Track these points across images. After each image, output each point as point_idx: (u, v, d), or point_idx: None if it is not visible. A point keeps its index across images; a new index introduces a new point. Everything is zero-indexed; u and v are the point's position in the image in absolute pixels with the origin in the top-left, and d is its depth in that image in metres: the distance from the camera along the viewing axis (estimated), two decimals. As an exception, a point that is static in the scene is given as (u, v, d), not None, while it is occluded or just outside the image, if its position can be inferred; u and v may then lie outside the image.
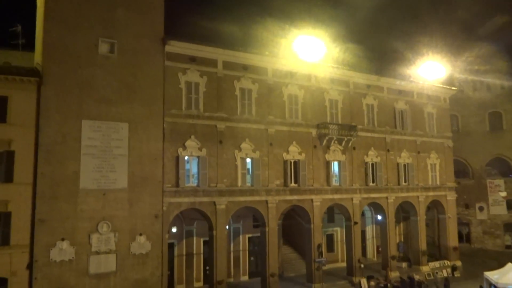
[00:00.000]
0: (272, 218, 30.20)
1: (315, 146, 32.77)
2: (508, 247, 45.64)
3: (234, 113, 29.53)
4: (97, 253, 23.84)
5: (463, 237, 45.81)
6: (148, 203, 25.65)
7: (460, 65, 43.88)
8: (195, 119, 27.94)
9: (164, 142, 26.66)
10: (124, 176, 25.08)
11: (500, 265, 29.96)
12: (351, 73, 35.10)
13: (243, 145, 29.54)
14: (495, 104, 48.02)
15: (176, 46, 27.61)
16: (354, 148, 34.59)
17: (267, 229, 29.99)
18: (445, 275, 36.83)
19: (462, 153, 46.74)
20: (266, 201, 30.05)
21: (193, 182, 27.98)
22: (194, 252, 31.34)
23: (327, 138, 32.82)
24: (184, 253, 30.98)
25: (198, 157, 27.97)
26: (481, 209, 46.70)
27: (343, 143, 33.74)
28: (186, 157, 27.72)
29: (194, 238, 31.51)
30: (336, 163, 33.96)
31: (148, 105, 26.28)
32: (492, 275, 28.02)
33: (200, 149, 27.91)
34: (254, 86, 30.50)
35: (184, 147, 27.43)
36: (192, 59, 28.31)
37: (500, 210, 45.96)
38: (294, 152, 31.71)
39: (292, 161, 31.62)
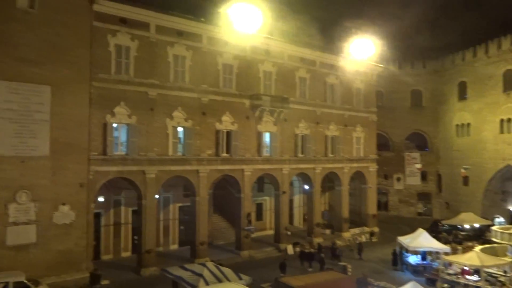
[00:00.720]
0: (203, 187, 30.39)
1: (247, 117, 33.10)
2: (420, 214, 50.32)
3: (167, 80, 28.79)
4: (15, 223, 22.55)
5: (382, 206, 49.56)
6: (72, 171, 24.54)
7: (387, 44, 46.00)
8: (125, 85, 26.85)
9: (90, 108, 25.39)
10: (45, 142, 23.65)
11: (412, 230, 32.95)
12: (286, 46, 35.48)
13: (175, 114, 29.05)
14: (417, 82, 51.45)
15: (105, 6, 25.96)
16: (285, 120, 35.44)
17: (197, 199, 30.19)
18: (364, 240, 39.77)
19: (384, 127, 49.90)
20: (198, 171, 30.09)
21: (121, 150, 27.16)
22: (122, 221, 30.82)
23: (260, 109, 33.26)
24: (112, 223, 30.35)
25: (127, 124, 27.08)
26: (398, 179, 50.67)
27: (275, 114, 34.41)
28: (115, 124, 26.72)
29: (122, 208, 30.91)
30: (267, 134, 34.67)
31: (74, 68, 24.70)
32: (404, 240, 30.85)
33: (130, 116, 27.00)
34: (188, 53, 29.81)
35: (113, 114, 26.37)
36: (123, 21, 26.89)
37: (415, 180, 50.21)
38: (227, 122, 31.81)
39: (225, 131, 31.76)
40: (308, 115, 37.37)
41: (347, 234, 39.58)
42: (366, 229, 41.49)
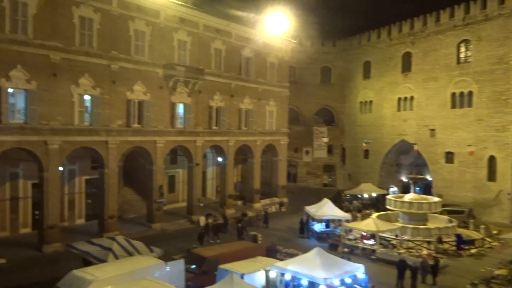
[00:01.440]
0: (112, 159, 29.07)
1: (161, 87, 32.05)
2: (325, 185, 53.56)
3: (72, 44, 26.56)
4: None
5: (291, 177, 51.78)
6: (-41, 141, 21.89)
7: (300, 20, 47.09)
8: (23, 46, 24.24)
9: (-20, 70, 22.62)
10: None
11: (318, 200, 34.99)
12: (201, 15, 34.61)
13: (82, 81, 27.06)
14: (327, 60, 53.71)
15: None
16: (200, 92, 34.98)
17: (106, 171, 28.85)
18: (274, 210, 41.44)
19: (296, 102, 51.65)
20: (106, 142, 28.63)
21: (19, 119, 24.75)
22: (21, 196, 28.41)
23: (173, 79, 32.36)
24: (8, 197, 27.83)
25: (26, 90, 24.64)
26: (307, 152, 53.17)
27: (190, 85, 33.77)
28: (11, 90, 24.17)
29: (21, 181, 28.44)
30: (181, 105, 33.99)
31: (-43, 23, 21.67)
32: (311, 209, 32.70)
33: (28, 81, 24.56)
34: (96, 15, 27.68)
35: (8, 78, 23.78)
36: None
37: (322, 153, 53.10)
38: (139, 92, 30.51)
39: (137, 101, 30.46)
40: (223, 88, 37.25)
41: (258, 205, 40.88)
42: (276, 199, 43.23)
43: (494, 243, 28.71)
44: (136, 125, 30.47)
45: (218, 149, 38.75)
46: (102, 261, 18.58)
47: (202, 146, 35.82)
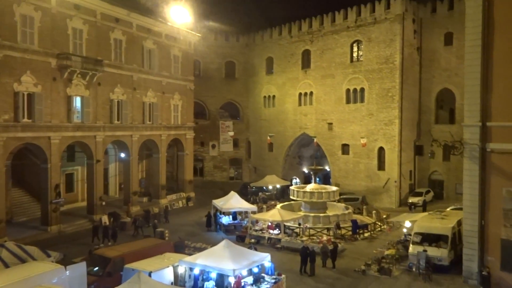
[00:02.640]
0: (-2, 157, 26.19)
1: (54, 78, 29.60)
2: (231, 178, 54.21)
3: None
4: None
5: (198, 171, 51.53)
6: None
7: (204, 13, 46.91)
8: None
9: None
10: None
11: (225, 193, 35.36)
12: (98, 2, 32.54)
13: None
14: (231, 54, 54.20)
15: None
16: (99, 84, 33.04)
17: (-9, 171, 25.91)
18: (181, 205, 40.94)
19: (201, 96, 51.38)
20: (-9, 138, 25.69)
21: None
22: None
23: (69, 70, 30.07)
24: None
25: None
26: (213, 146, 53.29)
27: (88, 77, 31.70)
28: None
29: None
30: (78, 99, 31.76)
31: None
32: (219, 202, 32.93)
33: None
34: (-27, -4, 24.56)
35: None
36: None
37: (228, 147, 53.64)
38: (28, 83, 27.81)
39: (26, 93, 27.75)
40: (125, 80, 35.62)
41: (164, 201, 39.99)
42: (183, 194, 42.71)
43: (384, 227, 31.66)
44: (26, 120, 27.76)
45: (121, 145, 37.03)
46: (-12, 271, 16.68)
47: (103, 141, 33.92)
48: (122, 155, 37.82)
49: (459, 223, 23.32)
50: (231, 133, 50.30)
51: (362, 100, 42.97)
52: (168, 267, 18.25)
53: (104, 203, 34.03)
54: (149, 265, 17.79)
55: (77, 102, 31.70)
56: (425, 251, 22.06)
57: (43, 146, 29.08)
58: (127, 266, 17.94)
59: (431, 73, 42.26)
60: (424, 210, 34.03)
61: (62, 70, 29.88)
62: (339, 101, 44.65)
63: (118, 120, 35.06)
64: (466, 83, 20.85)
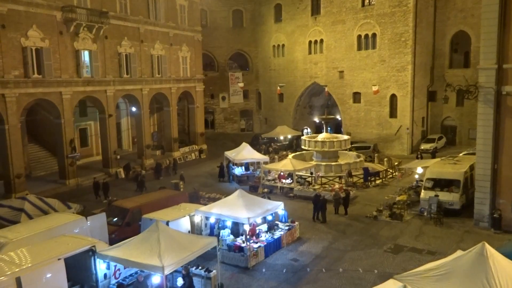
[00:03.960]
0: (12, 114, 26.47)
1: (61, 32, 29.19)
2: (242, 130, 54.34)
3: None
4: None
5: (209, 124, 51.70)
6: None
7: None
8: None
9: None
10: None
11: (237, 145, 35.60)
12: (101, -49, 31.43)
13: (-36, 26, 23.62)
14: (238, 2, 52.51)
15: None
16: (106, 37, 32.56)
17: (7, 127, 26.29)
18: (194, 157, 41.49)
19: (209, 47, 50.46)
20: (3, 95, 25.85)
21: None
22: None
23: (75, 23, 29.57)
24: None
25: None
26: (223, 98, 53.04)
27: (94, 30, 31.20)
28: None
29: None
30: (86, 53, 31.45)
31: None
32: (231, 154, 33.24)
33: None
34: None
35: None
36: None
37: (238, 99, 53.37)
38: (35, 38, 27.50)
39: (34, 48, 27.51)
40: (132, 33, 35.01)
41: (177, 154, 40.50)
42: (195, 147, 43.14)
43: (395, 174, 31.83)
44: (36, 76, 27.72)
45: (131, 99, 37.06)
46: (14, 222, 17.39)
47: (114, 96, 33.94)
48: (134, 109, 37.94)
49: (471, 167, 23.32)
50: (241, 84, 49.77)
51: (373, 47, 41.79)
52: (184, 216, 18.76)
53: (118, 156, 34.62)
54: (166, 215, 18.31)
55: (86, 56, 31.43)
56: (436, 196, 22.27)
57: (55, 101, 29.23)
58: (145, 216, 18.48)
59: (446, 15, 40.64)
60: (434, 157, 33.92)
61: (68, 24, 29.40)
62: (350, 48, 43.52)
63: (127, 74, 34.84)
64: (483, 24, 20.06)
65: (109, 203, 22.73)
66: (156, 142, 41.93)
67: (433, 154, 36.15)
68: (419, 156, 35.23)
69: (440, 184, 23.28)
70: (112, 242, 16.52)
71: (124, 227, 19.15)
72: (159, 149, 40.58)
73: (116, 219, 19.78)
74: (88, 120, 37.03)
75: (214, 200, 23.50)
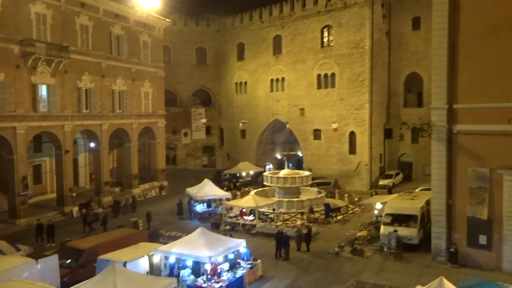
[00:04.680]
0: (-40, 150, 25.10)
1: (18, 66, 28.46)
2: (205, 166, 54.00)
3: None
4: None
5: (170, 160, 51.03)
6: None
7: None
8: None
9: None
10: None
11: (199, 181, 35.19)
12: (63, -14, 31.40)
13: None
14: (202, 40, 53.43)
15: None
16: (66, 71, 32.00)
17: (-47, 164, 24.84)
18: (154, 194, 40.54)
19: (172, 83, 50.62)
20: (-49, 130, 24.57)
21: None
22: None
23: (33, 57, 28.95)
24: None
25: None
26: (185, 134, 52.80)
27: (53, 64, 30.63)
28: None
29: None
30: (44, 87, 30.68)
31: None
32: (192, 190, 32.77)
33: None
34: None
35: None
36: None
37: (200, 135, 53.31)
38: (-11, 72, 26.63)
39: (-13, 82, 26.57)
40: (93, 67, 34.63)
41: (137, 190, 39.45)
42: (156, 183, 42.23)
43: (356, 209, 32.33)
44: (-12, 110, 26.65)
45: (90, 134, 36.15)
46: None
47: (72, 131, 33.01)
48: (92, 144, 36.97)
49: (428, 203, 24.06)
50: (203, 120, 49.78)
51: (333, 85, 43.33)
52: (143, 256, 18.12)
53: (74, 194, 33.30)
54: (123, 255, 17.61)
55: (43, 90, 30.63)
56: (395, 231, 22.71)
57: (8, 136, 28.05)
58: (100, 257, 17.67)
59: (400, 57, 42.96)
60: (390, 193, 34.76)
61: (26, 57, 28.75)
62: (311, 87, 44.89)
63: (86, 108, 34.14)
64: (433, 66, 21.30)
65: (62, 243, 21.59)
66: (115, 179, 40.77)
67: (389, 190, 36.97)
68: (373, 193, 35.89)
69: (399, 219, 23.81)
70: (64, 286, 15.58)
71: (78, 269, 18.18)
72: (118, 186, 39.39)
73: (69, 260, 18.76)
74: (43, 156, 35.65)
75: (175, 238, 22.86)
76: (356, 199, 34.28)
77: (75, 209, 31.99)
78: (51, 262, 16.88)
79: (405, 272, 20.14)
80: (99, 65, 35.29)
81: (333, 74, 43.19)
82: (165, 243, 20.77)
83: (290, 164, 36.63)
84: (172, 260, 18.37)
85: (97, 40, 35.03)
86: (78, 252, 18.99)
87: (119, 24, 37.21)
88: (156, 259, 18.39)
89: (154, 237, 23.86)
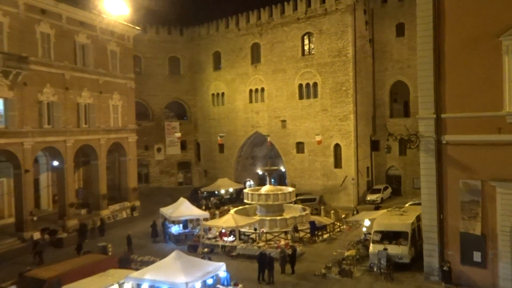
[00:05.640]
0: None
1: (-28, 79, 27.71)
2: (180, 183, 53.47)
3: None
4: None
5: (142, 178, 50.32)
6: None
7: (143, 4, 45.85)
8: None
9: None
10: None
11: (174, 200, 34.71)
12: (22, -8, 30.94)
13: None
14: (175, 49, 53.39)
15: None
16: (25, 84, 31.31)
17: None
18: (125, 216, 39.78)
19: (143, 95, 50.27)
20: None
21: None
22: None
23: (-11, 69, 28.30)
24: None
25: None
26: (159, 150, 52.28)
27: (11, 76, 29.96)
28: None
29: None
30: (1, 101, 29.94)
31: None
32: (167, 210, 32.27)
33: None
34: None
35: None
36: None
37: (175, 150, 52.89)
38: None
39: None
40: (55, 79, 34.03)
41: (106, 212, 38.60)
42: (127, 204, 41.47)
43: (343, 227, 32.36)
44: None
45: (53, 152, 35.31)
46: None
47: (32, 148, 32.18)
48: (55, 163, 36.11)
49: (418, 218, 24.26)
50: (178, 135, 49.44)
51: (315, 95, 43.75)
52: (113, 285, 17.66)
53: (35, 218, 32.31)
54: (91, 285, 17.20)
55: (0, 105, 29.86)
56: (385, 249, 22.75)
57: (-40, 156, 27.17)
58: (65, 287, 17.09)
59: (384, 65, 43.81)
60: (377, 209, 34.77)
61: (-20, 69, 28.07)
62: (292, 97, 45.21)
63: (49, 124, 33.42)
64: (419, 74, 21.66)
65: (21, 273, 20.80)
66: (82, 200, 39.88)
67: (377, 207, 36.13)
68: (354, 212, 35.85)
69: (388, 236, 23.89)
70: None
71: (40, 301, 17.49)
72: (84, 208, 38.51)
73: (29, 292, 18.06)
74: (0, 176, 34.59)
75: (148, 263, 22.37)
76: (343, 215, 34.35)
77: (37, 234, 31.00)
78: (9, 295, 16.22)
79: (397, 293, 20.13)
80: (63, 76, 34.71)
81: (315, 84, 43.64)
82: (137, 269, 20.31)
83: (272, 180, 36.60)
84: (145, 288, 17.93)
85: (60, 50, 34.51)
86: (39, 282, 18.24)
87: (84, 32, 36.81)
88: (128, 287, 17.91)
89: (125, 263, 23.29)
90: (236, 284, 20.00)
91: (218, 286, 19.56)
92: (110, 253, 26.43)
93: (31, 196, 32.38)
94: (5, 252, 28.49)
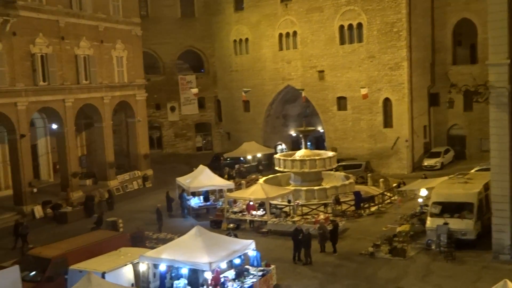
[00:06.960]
0: None
1: (-46, 29, 28.45)
2: (199, 148, 54.16)
3: None
4: None
5: (154, 143, 51.23)
6: None
7: None
8: None
9: None
10: None
11: (192, 168, 35.40)
12: None
13: None
14: (188, -14, 52.87)
15: None
16: (14, 34, 31.94)
17: None
18: (137, 187, 40.91)
19: (152, 44, 50.28)
20: None
21: None
22: None
23: (-27, 17, 28.94)
24: None
25: None
26: (172, 109, 52.76)
27: (-1, 25, 30.66)
28: None
29: None
30: (-12, 55, 30.79)
31: None
32: (184, 180, 33.04)
33: None
34: None
35: None
36: None
37: (192, 109, 53.29)
38: None
39: None
40: (49, 27, 34.57)
41: (114, 182, 39.75)
42: (138, 173, 42.56)
43: (394, 198, 32.44)
44: None
45: (51, 113, 36.31)
46: None
47: (27, 110, 33.16)
48: (54, 126, 37.17)
49: (486, 187, 24.06)
50: (195, 91, 49.66)
51: (360, 40, 43.00)
52: (126, 265, 18.35)
53: (35, 190, 33.68)
54: (101, 265, 17.86)
55: (-13, 59, 30.75)
56: (446, 224, 22.80)
57: None
58: (72, 267, 17.96)
59: (446, 0, 42.38)
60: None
61: (-37, 18, 28.75)
62: (331, 42, 44.55)
63: (44, 81, 34.20)
64: (490, 10, 21.00)
65: (24, 252, 21.99)
66: (86, 169, 41.13)
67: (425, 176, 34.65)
68: (423, 176, 35.80)
69: (450, 209, 23.87)
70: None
71: (45, 283, 18.51)
72: (89, 178, 39.78)
73: (34, 272, 19.12)
74: (-7, 142, 36.07)
75: (165, 241, 23.14)
76: (394, 184, 34.37)
77: (38, 208, 32.40)
78: (11, 275, 17.18)
79: (459, 276, 20.32)
80: (57, 23, 35.18)
81: (359, 25, 42.79)
82: (152, 248, 21.02)
83: (308, 143, 36.76)
84: (162, 268, 18.62)
85: (53, -9, 34.88)
86: (43, 261, 19.28)
87: (80, -32, 36.94)
88: (143, 267, 18.63)
89: (138, 240, 24.13)
90: (267, 265, 20.51)
91: (247, 267, 20.11)
92: (121, 230, 27.44)
93: (29, 165, 33.62)
94: (3, 229, 29.93)
